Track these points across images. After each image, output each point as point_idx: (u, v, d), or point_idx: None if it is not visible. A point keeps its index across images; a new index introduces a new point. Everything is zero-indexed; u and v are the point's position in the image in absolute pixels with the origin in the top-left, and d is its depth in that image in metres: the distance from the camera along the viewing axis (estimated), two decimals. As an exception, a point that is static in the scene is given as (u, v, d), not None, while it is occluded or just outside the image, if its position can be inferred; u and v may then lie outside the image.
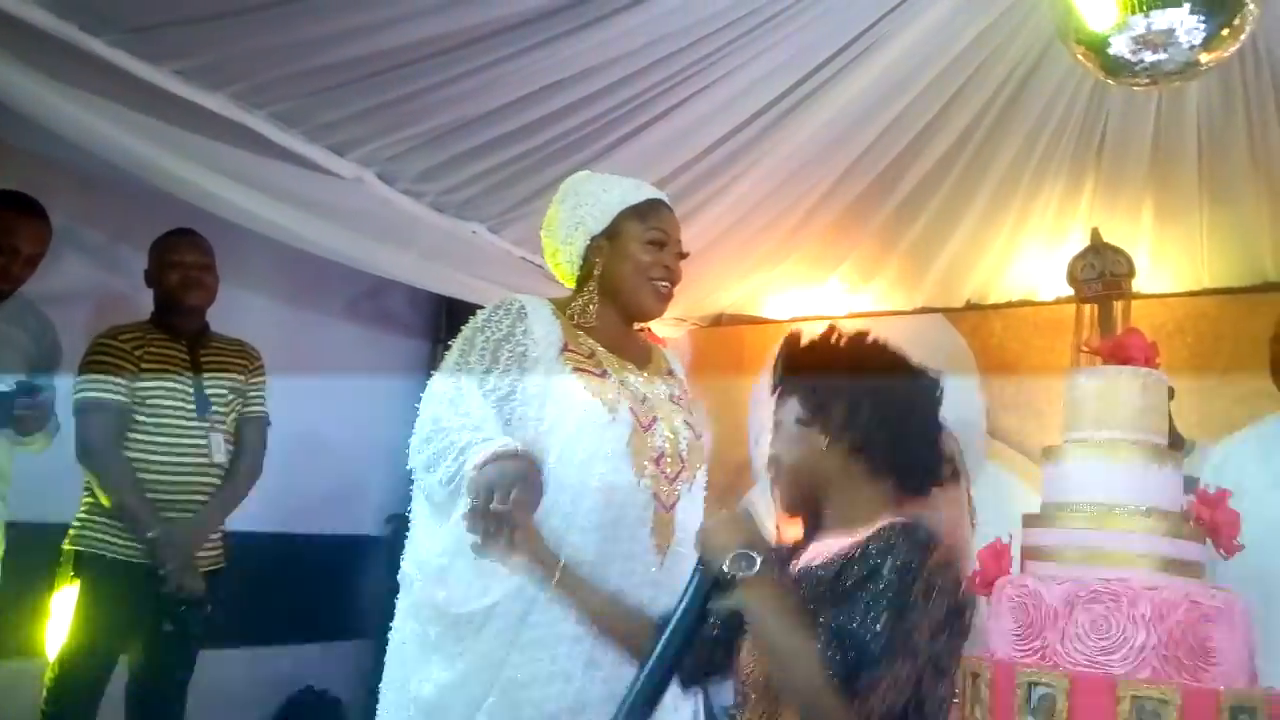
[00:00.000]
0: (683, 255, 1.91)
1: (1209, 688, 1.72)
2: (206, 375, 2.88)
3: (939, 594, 1.18)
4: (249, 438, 2.97)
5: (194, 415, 2.82)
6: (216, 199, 2.74)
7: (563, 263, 1.94)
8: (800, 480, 1.41)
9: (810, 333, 1.46)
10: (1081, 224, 3.47)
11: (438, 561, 1.70)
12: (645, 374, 1.88)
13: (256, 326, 3.40)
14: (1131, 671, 1.76)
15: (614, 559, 1.68)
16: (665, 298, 1.88)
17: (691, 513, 1.84)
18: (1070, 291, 3.77)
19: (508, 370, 1.73)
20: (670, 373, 1.97)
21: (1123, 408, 2.06)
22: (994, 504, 3.82)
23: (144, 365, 2.78)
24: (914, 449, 1.37)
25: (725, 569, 1.24)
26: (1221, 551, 2.04)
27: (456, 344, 1.81)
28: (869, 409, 1.34)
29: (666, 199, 1.92)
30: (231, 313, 3.21)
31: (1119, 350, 2.15)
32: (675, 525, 1.78)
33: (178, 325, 2.90)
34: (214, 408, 2.86)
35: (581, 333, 1.84)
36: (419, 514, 1.79)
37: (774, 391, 1.47)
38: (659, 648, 1.30)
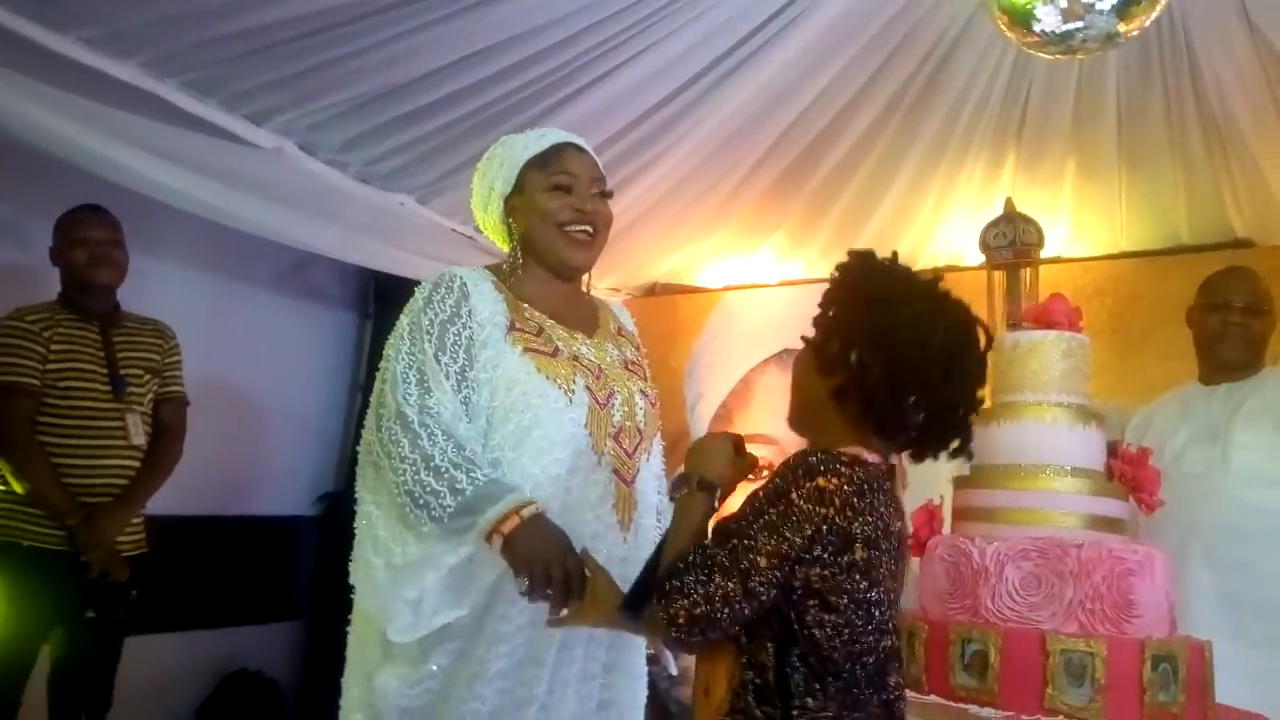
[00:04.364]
0: (605, 194, 1.78)
1: (1133, 639, 1.79)
2: (120, 356, 2.79)
3: (801, 521, 1.17)
4: (167, 419, 2.89)
5: (109, 397, 2.73)
6: (128, 172, 2.64)
7: (491, 232, 1.86)
8: (793, 397, 1.40)
9: (871, 255, 1.36)
10: (1004, 192, 3.53)
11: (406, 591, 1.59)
12: (595, 340, 1.79)
13: (176, 302, 3.30)
14: (1059, 626, 1.82)
15: (580, 540, 1.62)
16: (584, 244, 1.75)
17: (650, 482, 1.80)
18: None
19: (455, 356, 1.63)
20: (620, 331, 1.88)
21: (1047, 371, 2.12)
22: (923, 466, 3.91)
23: (54, 347, 2.68)
24: (898, 414, 1.26)
25: (668, 490, 1.37)
26: (1143, 508, 2.12)
27: (404, 331, 1.68)
28: (858, 357, 1.25)
29: (578, 140, 1.79)
30: (149, 288, 3.10)
31: (1043, 315, 2.20)
32: (637, 497, 1.73)
33: (87, 305, 2.79)
34: (130, 389, 2.77)
35: (525, 305, 1.73)
36: (375, 518, 1.64)
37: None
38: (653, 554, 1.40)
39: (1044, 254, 3.74)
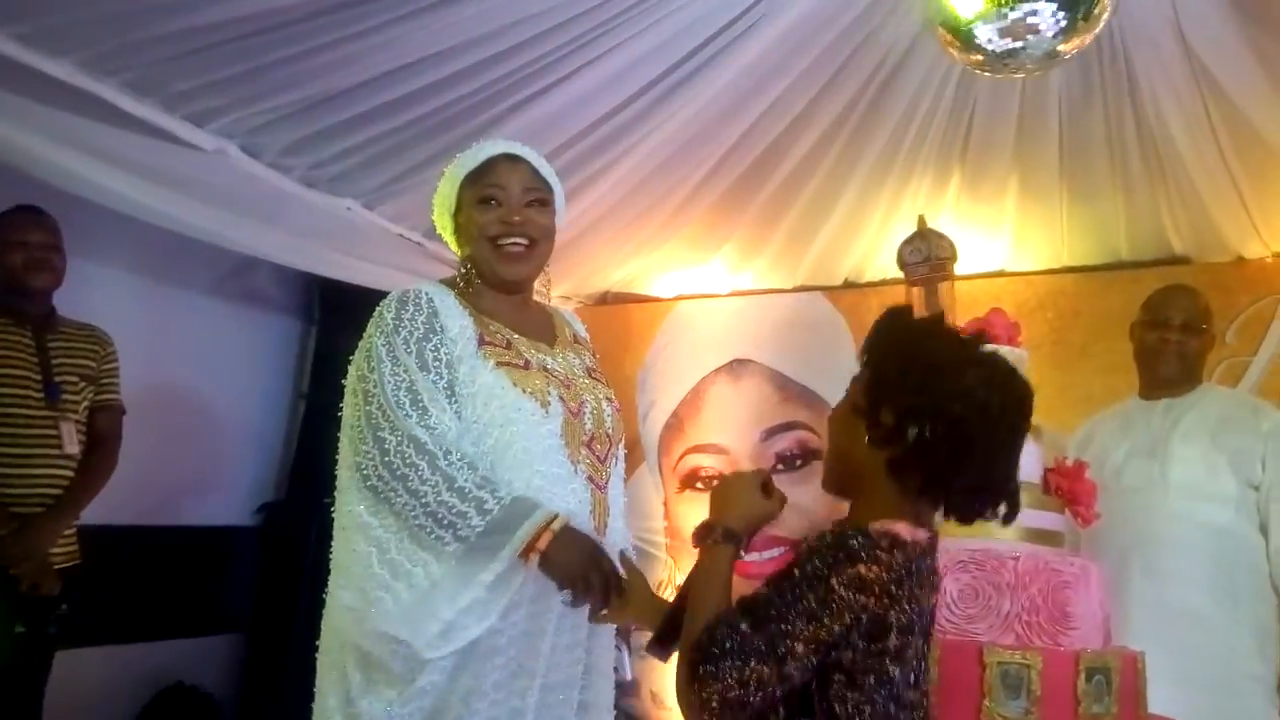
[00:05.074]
0: (542, 202, 1.77)
1: (1068, 651, 1.82)
2: (55, 362, 2.72)
3: (841, 609, 1.15)
4: (103, 427, 2.82)
5: (43, 404, 2.66)
6: (66, 173, 2.57)
7: (454, 248, 1.86)
8: (835, 462, 1.37)
9: (911, 314, 1.35)
10: (950, 207, 3.59)
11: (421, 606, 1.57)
12: (557, 350, 1.81)
13: (113, 307, 3.23)
14: (996, 638, 1.85)
15: None
16: (518, 257, 1.74)
17: (619, 486, 1.83)
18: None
19: (440, 373, 1.63)
20: (576, 339, 1.91)
21: (988, 384, 2.14)
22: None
23: (-15, 351, 2.61)
24: (958, 483, 1.25)
25: (691, 540, 1.34)
26: (1079, 521, 2.15)
27: (380, 354, 1.64)
28: (919, 429, 1.23)
29: (515, 149, 1.78)
30: (86, 292, 3.03)
31: (983, 329, 2.22)
32: (608, 502, 1.76)
33: (22, 309, 2.72)
34: (64, 396, 2.70)
35: (488, 318, 1.74)
36: (386, 542, 1.61)
37: (859, 357, 1.37)
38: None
39: (986, 268, 3.85)
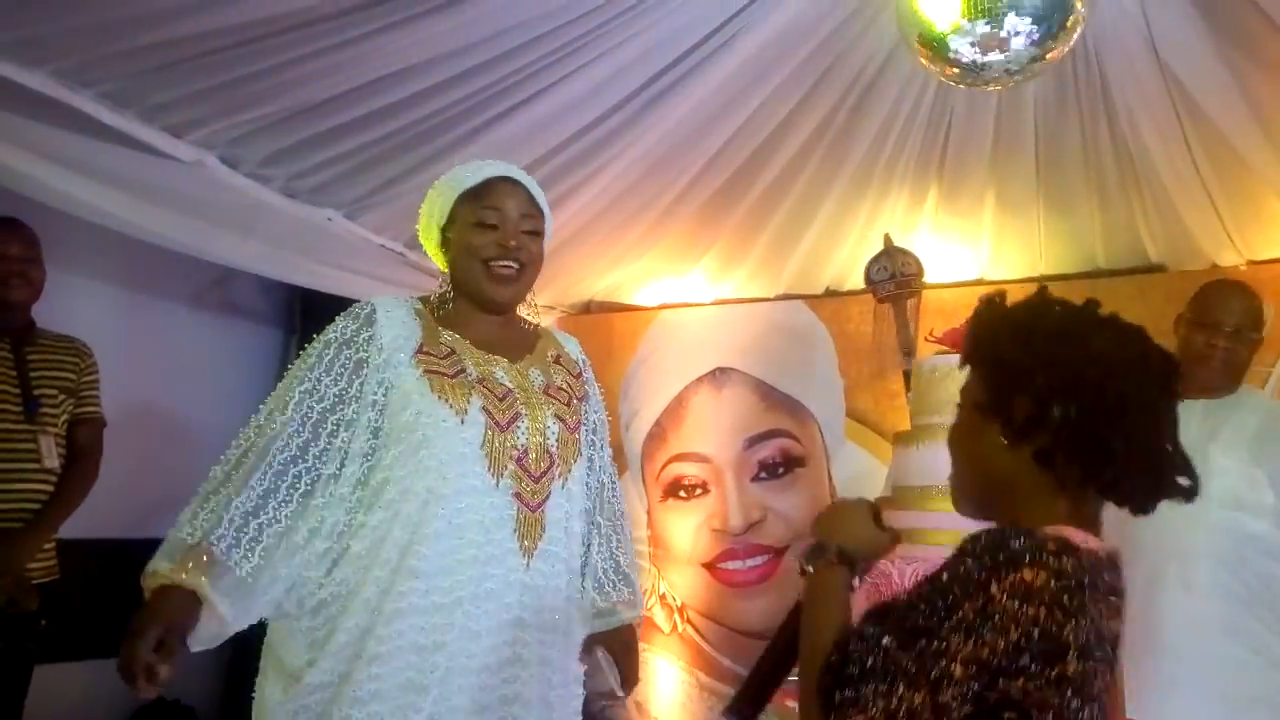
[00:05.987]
0: (535, 232, 1.79)
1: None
2: (34, 375, 2.70)
3: (1005, 622, 0.96)
4: (83, 440, 2.81)
5: (21, 418, 2.65)
6: (43, 185, 2.57)
7: (436, 260, 1.88)
8: (969, 477, 1.20)
9: (1005, 299, 1.19)
10: (928, 218, 3.62)
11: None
12: (520, 365, 1.80)
13: (92, 319, 3.21)
14: (975, 645, 1.85)
15: (470, 563, 1.64)
16: (508, 279, 1.76)
17: (566, 509, 1.78)
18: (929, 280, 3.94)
19: (339, 378, 1.67)
20: (559, 359, 1.89)
21: (965, 393, 2.16)
22: (853, 482, 3.96)
23: (-39, 366, 2.59)
24: (1124, 459, 1.08)
25: (799, 561, 1.20)
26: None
27: (307, 355, 1.74)
28: (1063, 408, 1.07)
29: (515, 174, 1.81)
30: (64, 305, 3.02)
31: (961, 339, 2.24)
32: (545, 523, 1.72)
33: (0, 322, 2.69)
34: (43, 409, 2.69)
35: (446, 329, 1.76)
36: None
37: (962, 360, 1.22)
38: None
39: (964, 278, 3.88)
